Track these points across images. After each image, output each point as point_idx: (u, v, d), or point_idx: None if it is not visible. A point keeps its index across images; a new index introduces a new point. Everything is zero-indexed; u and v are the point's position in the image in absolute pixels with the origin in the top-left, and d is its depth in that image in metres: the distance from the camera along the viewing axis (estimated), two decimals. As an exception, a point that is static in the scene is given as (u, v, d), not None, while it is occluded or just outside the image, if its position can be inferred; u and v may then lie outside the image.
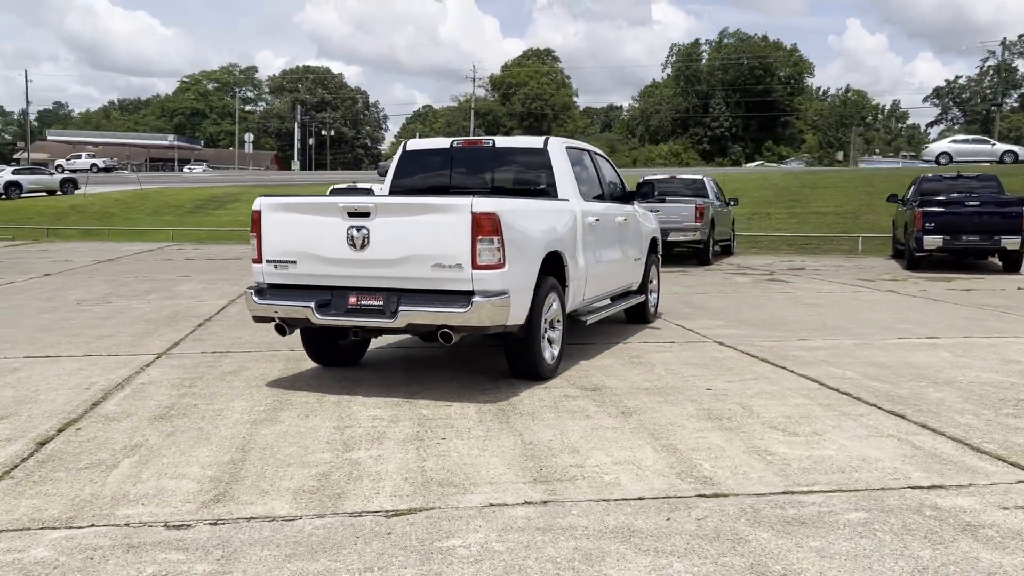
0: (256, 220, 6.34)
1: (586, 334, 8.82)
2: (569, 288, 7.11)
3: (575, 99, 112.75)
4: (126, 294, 12.77)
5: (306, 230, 6.17)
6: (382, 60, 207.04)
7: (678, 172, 26.15)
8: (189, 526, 3.78)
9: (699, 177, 20.08)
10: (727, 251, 21.50)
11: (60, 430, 5.29)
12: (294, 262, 6.22)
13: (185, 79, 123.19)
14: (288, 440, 5.09)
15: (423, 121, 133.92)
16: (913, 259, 17.00)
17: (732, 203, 21.25)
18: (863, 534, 3.69)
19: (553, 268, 6.83)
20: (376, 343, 8.17)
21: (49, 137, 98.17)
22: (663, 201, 17.76)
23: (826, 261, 20.02)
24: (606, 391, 6.37)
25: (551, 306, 6.77)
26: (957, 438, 5.18)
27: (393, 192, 7.85)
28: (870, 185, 31.70)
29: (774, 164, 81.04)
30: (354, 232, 5.99)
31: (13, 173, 43.08)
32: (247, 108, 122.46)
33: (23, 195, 41.33)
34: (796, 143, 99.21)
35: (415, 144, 8.10)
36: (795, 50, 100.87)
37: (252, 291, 6.36)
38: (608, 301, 8.75)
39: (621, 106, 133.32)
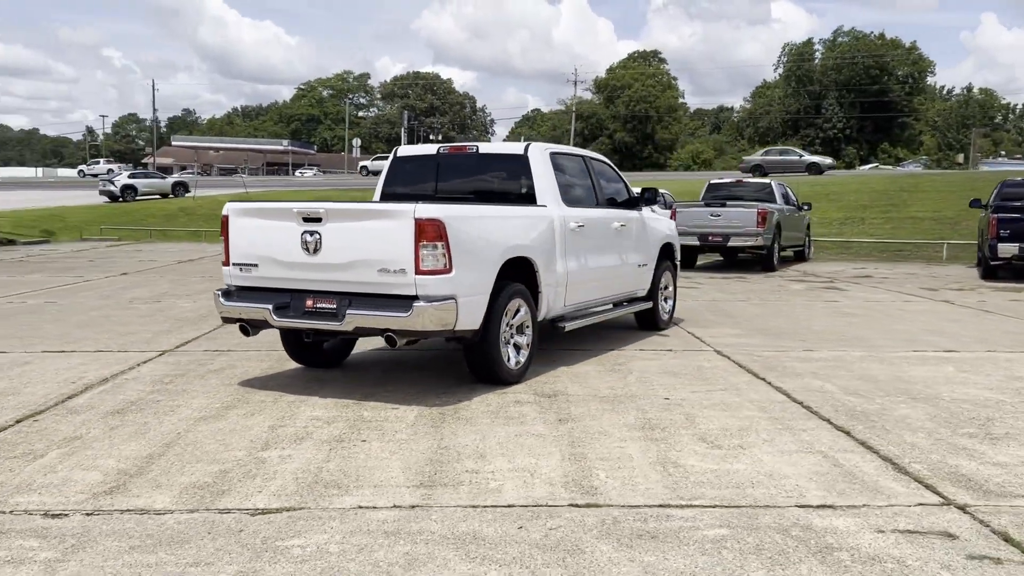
0: (224, 224, 6.60)
1: (583, 340, 8.78)
2: (542, 294, 7.11)
3: (681, 100, 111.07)
4: (180, 293, 13.38)
5: (266, 235, 6.38)
6: (496, 65, 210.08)
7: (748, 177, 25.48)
8: (65, 515, 4.00)
9: (767, 181, 19.56)
10: (800, 257, 20.86)
11: (19, 420, 5.64)
12: (256, 265, 6.45)
13: (302, 86, 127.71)
14: (217, 437, 5.29)
15: (531, 125, 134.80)
16: (988, 268, 16.13)
17: (806, 207, 20.60)
18: (707, 551, 3.61)
19: (521, 274, 6.86)
20: (371, 345, 8.35)
21: (174, 143, 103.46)
22: (723, 205, 17.46)
23: (900, 269, 19.18)
24: (560, 397, 6.35)
25: (517, 311, 6.80)
26: (889, 457, 4.96)
27: (384, 198, 8.01)
28: (974, 189, 30.04)
29: (889, 167, 77.94)
30: (308, 237, 6.17)
31: (129, 177, 45.61)
32: (359, 114, 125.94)
33: (137, 198, 43.62)
34: (914, 145, 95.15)
35: (405, 151, 8.24)
36: (914, 48, 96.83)
37: (220, 293, 6.63)
38: (610, 306, 8.69)
39: (732, 107, 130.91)
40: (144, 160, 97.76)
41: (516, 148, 7.64)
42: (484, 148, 7.82)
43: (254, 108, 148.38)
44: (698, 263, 19.63)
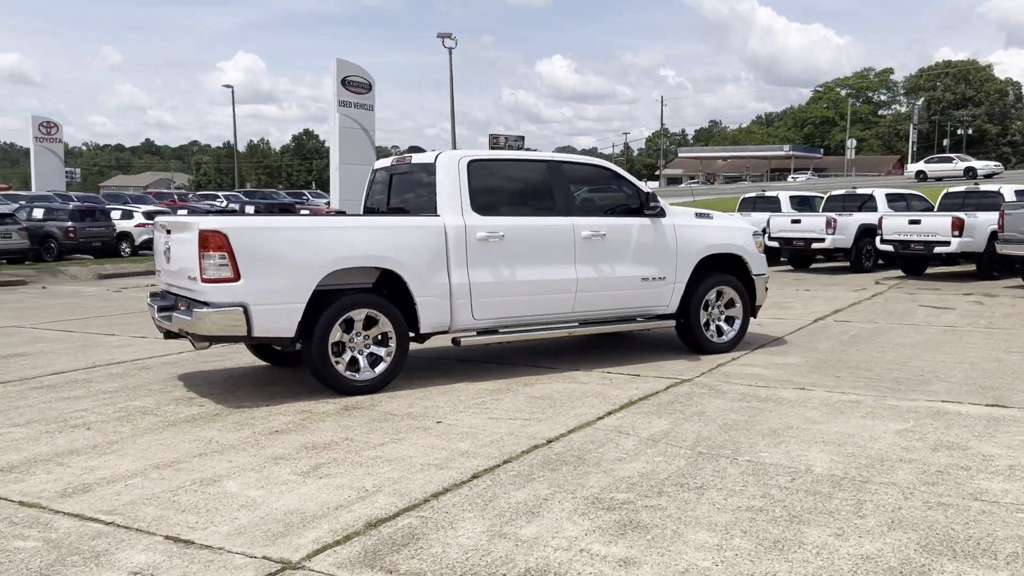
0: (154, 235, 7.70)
1: (570, 355, 8.17)
2: (419, 306, 6.96)
3: None
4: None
5: (158, 244, 7.33)
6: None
7: None
8: None
9: None
10: None
11: (-31, 388, 7.39)
12: (160, 271, 7.44)
13: (818, 88, 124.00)
14: (12, 414, 6.39)
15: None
16: None
17: None
18: (-42, 557, 3.73)
19: (393, 284, 6.88)
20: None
21: (680, 155, 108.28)
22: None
23: None
24: (348, 412, 6.23)
25: (373, 322, 6.80)
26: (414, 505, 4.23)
27: (365, 212, 8.41)
28: None
29: None
30: (165, 246, 7.00)
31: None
32: (880, 112, 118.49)
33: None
34: None
35: (379, 164, 8.48)
36: None
37: (149, 295, 7.74)
38: (613, 322, 8.02)
39: None
40: (656, 172, 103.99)
41: (428, 158, 7.49)
42: (416, 158, 7.77)
43: (779, 114, 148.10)
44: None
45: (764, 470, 4.76)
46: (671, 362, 8.03)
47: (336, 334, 6.69)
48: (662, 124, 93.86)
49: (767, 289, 8.96)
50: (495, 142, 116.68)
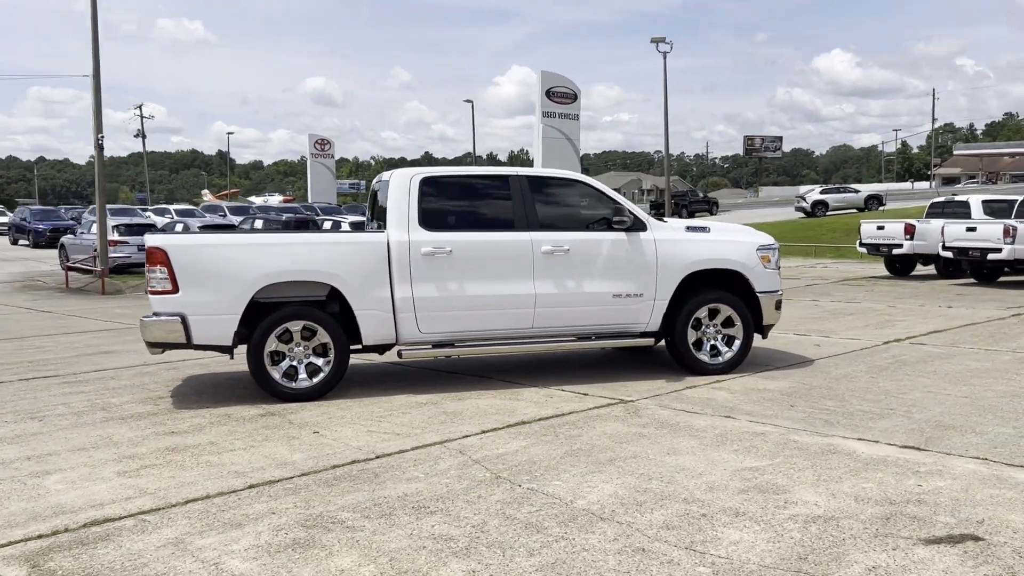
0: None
1: (556, 374, 8.04)
2: (359, 318, 7.22)
3: None
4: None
5: (153, 258, 8.14)
6: None
7: None
8: None
9: None
10: None
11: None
12: (158, 282, 8.25)
13: None
14: None
15: None
16: None
17: None
18: None
19: (341, 298, 7.24)
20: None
21: (956, 152, 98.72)
22: None
23: None
24: (263, 419, 6.63)
25: (311, 334, 7.17)
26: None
27: (367, 223, 8.80)
28: None
29: None
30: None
31: (821, 193, 46.66)
32: None
33: (828, 212, 44.43)
34: None
35: (376, 179, 8.77)
36: None
37: (162, 303, 8.57)
38: (587, 338, 7.82)
39: None
40: (928, 172, 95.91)
41: (387, 176, 7.71)
42: (385, 176, 7.99)
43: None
44: None
45: (524, 500, 4.56)
46: (641, 382, 7.68)
47: (272, 344, 7.11)
48: (933, 119, 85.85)
49: (778, 307, 8.25)
50: (749, 143, 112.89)
